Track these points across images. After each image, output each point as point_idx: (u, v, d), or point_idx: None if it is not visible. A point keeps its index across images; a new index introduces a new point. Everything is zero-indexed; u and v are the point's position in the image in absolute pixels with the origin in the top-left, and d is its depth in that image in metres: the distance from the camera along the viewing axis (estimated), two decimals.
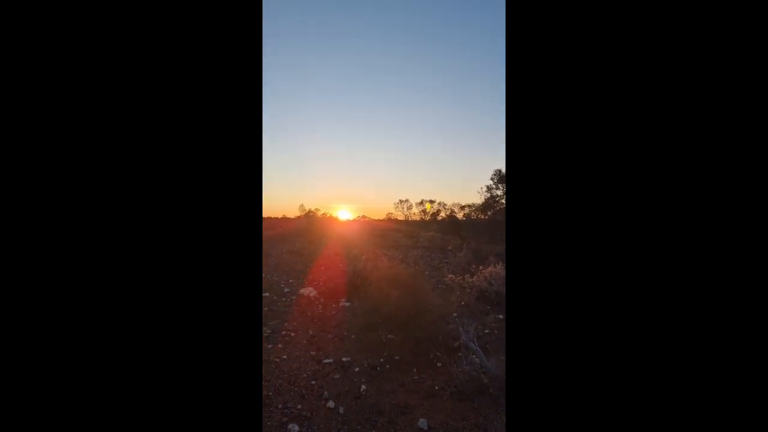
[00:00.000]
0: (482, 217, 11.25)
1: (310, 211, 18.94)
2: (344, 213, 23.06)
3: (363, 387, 2.54)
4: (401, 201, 16.83)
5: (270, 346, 3.22)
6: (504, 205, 9.78)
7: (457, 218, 13.17)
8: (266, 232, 14.33)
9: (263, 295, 4.93)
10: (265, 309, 4.30)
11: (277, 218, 23.70)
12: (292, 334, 3.51)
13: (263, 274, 6.24)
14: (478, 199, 11.46)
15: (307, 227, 15.66)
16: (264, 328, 3.64)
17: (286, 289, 5.27)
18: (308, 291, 5.08)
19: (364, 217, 22.81)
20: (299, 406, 2.29)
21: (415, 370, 2.79)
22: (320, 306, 4.50)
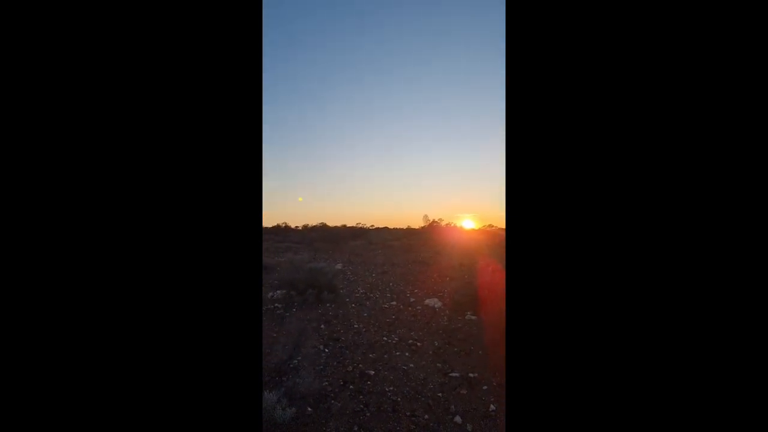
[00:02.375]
0: None
1: (433, 221, 19.15)
2: (468, 222, 22.52)
3: (492, 407, 2.41)
4: None
5: (397, 353, 3.35)
6: None
7: None
8: (392, 243, 15.08)
9: (391, 303, 5.18)
10: (392, 317, 4.51)
11: (401, 229, 24.71)
12: (418, 344, 3.59)
13: (390, 283, 6.57)
14: None
15: (431, 237, 15.85)
16: (392, 336, 3.82)
17: (411, 299, 5.42)
18: (433, 302, 5.12)
19: (490, 226, 21.88)
20: (426, 417, 2.31)
21: None
22: (445, 318, 4.48)
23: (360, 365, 3.07)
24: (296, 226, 23.86)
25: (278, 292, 5.50)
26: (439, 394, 2.60)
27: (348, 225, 20.85)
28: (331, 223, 21.68)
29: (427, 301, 5.18)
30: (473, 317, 4.39)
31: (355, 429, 2.18)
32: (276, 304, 4.99)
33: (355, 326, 4.14)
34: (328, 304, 5.02)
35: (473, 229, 21.72)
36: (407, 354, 3.34)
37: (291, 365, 2.85)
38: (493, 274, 5.28)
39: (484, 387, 2.70)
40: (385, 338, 3.75)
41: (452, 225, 19.90)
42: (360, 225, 20.90)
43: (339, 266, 7.97)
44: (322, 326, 4.11)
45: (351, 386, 2.70)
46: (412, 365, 3.09)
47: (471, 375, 2.88)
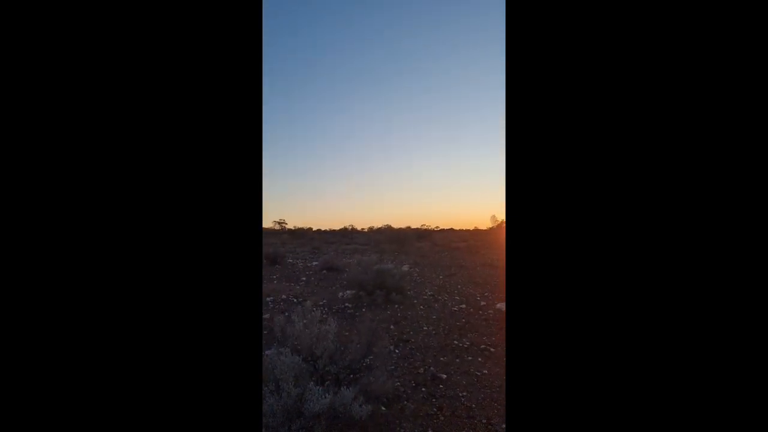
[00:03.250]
0: None
1: (502, 222, 18.32)
2: None
3: None
4: None
5: (470, 358, 3.26)
6: None
7: None
8: (458, 244, 14.75)
9: (460, 306, 5.06)
10: (462, 320, 4.40)
11: (467, 230, 24.06)
12: (492, 350, 3.45)
13: (458, 286, 6.42)
14: None
15: (499, 238, 15.20)
16: (463, 340, 3.72)
17: (482, 302, 5.24)
18: (505, 306, 4.89)
19: None
20: (504, 426, 2.21)
21: None
22: None
23: (431, 368, 3.04)
24: (362, 228, 24.52)
25: (347, 292, 5.70)
26: None
27: (412, 227, 20.86)
28: (395, 225, 21.89)
29: (498, 305, 4.97)
30: None
31: None
32: (346, 304, 5.17)
33: (425, 328, 4.11)
34: (396, 306, 5.06)
35: None
36: (480, 359, 3.23)
37: (364, 364, 2.92)
38: None
39: None
40: (455, 342, 3.67)
41: None
42: (424, 226, 20.79)
43: (405, 268, 8.00)
44: (392, 327, 4.15)
45: (423, 389, 2.68)
46: (485, 371, 2.98)
47: None
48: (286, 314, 4.07)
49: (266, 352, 2.49)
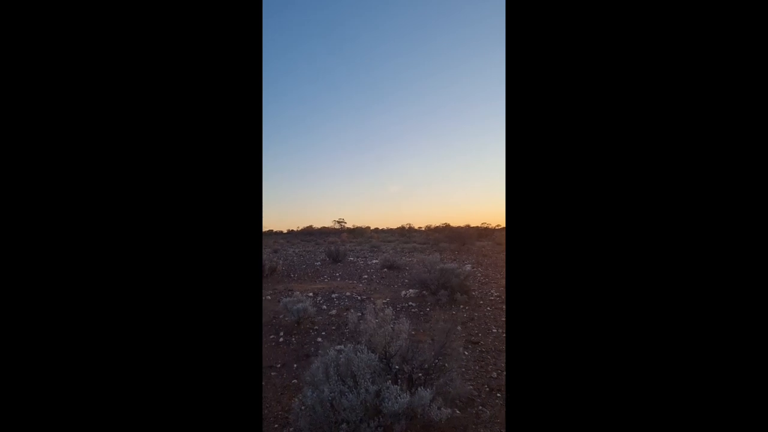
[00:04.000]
0: None
1: None
2: None
3: None
4: None
5: None
6: None
7: None
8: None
9: None
10: None
11: None
12: None
13: None
14: None
15: None
16: None
17: None
18: None
19: None
20: None
21: None
22: None
23: (505, 372, 2.90)
24: (419, 227, 24.42)
25: (410, 291, 5.68)
26: None
27: (472, 225, 20.28)
28: (454, 224, 21.45)
29: None
30: None
31: None
32: (410, 303, 5.15)
33: (494, 330, 3.95)
34: (461, 306, 4.93)
35: None
36: None
37: (434, 364, 2.87)
38: None
39: None
40: None
41: None
42: (485, 224, 20.10)
43: (468, 267, 7.78)
44: (458, 328, 4.04)
45: (498, 394, 2.56)
46: None
47: None
48: (353, 311, 4.16)
49: (338, 347, 2.55)
